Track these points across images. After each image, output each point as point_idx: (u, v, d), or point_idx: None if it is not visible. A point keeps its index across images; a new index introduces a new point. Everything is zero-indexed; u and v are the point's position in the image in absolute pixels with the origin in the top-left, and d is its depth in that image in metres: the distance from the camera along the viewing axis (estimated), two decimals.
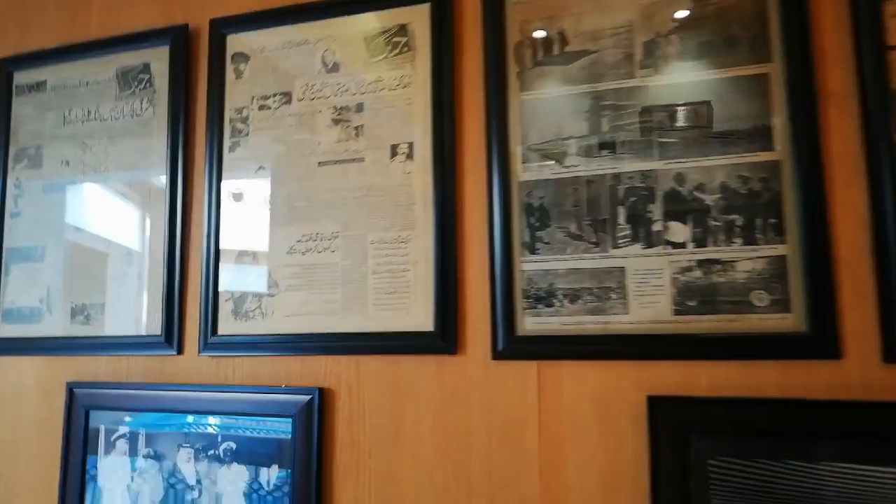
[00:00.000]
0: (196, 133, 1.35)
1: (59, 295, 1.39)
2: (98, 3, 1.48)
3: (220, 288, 1.27)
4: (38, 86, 1.49)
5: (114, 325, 1.34)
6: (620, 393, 1.03)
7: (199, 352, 1.27)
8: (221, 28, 1.34)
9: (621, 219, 1.07)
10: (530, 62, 1.14)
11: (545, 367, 1.08)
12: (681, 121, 1.05)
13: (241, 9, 1.34)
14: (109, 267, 1.36)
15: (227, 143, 1.31)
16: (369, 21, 1.25)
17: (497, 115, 1.14)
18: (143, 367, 1.32)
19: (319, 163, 1.24)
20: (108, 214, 1.38)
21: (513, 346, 1.09)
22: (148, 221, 1.34)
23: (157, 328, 1.31)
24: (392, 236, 1.18)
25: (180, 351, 1.29)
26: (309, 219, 1.23)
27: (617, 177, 1.08)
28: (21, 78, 1.50)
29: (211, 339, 1.26)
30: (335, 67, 1.26)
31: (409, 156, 1.19)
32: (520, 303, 1.10)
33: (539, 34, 1.14)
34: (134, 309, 1.33)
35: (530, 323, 1.09)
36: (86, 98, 1.44)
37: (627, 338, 1.04)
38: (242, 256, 1.26)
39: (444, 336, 1.12)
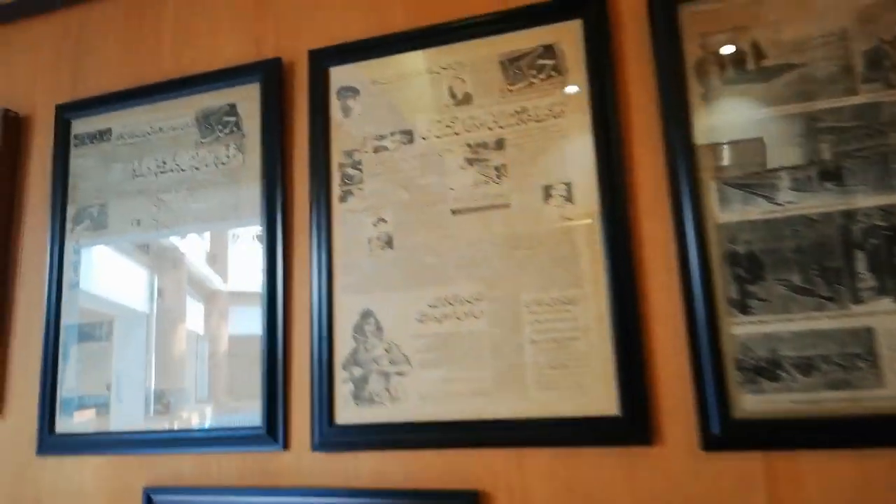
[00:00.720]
0: (295, 182, 1.15)
1: (132, 380, 1.17)
2: (171, 38, 1.30)
3: (336, 366, 1.04)
4: (102, 135, 1.30)
5: (199, 415, 1.11)
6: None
7: (311, 447, 1.04)
8: (322, 60, 1.15)
9: (861, 266, 0.85)
10: (718, 81, 0.95)
11: (776, 460, 0.85)
12: None
13: (346, 37, 1.16)
14: (190, 345, 1.14)
15: (335, 191, 1.10)
16: (505, 43, 1.06)
17: (681, 144, 0.94)
18: (238, 467, 1.08)
19: (453, 210, 1.03)
20: (187, 280, 1.16)
21: (730, 432, 0.86)
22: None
23: (255, 418, 1.07)
24: (552, 296, 0.96)
25: (286, 446, 1.06)
26: (443, 278, 1.02)
27: (849, 214, 0.86)
28: (81, 126, 1.31)
29: (326, 431, 1.02)
30: (466, 99, 1.06)
31: (568, 198, 0.98)
32: (733, 376, 0.87)
33: (727, 49, 0.95)
34: (224, 394, 1.10)
35: (750, 402, 0.86)
36: (159, 146, 1.24)
37: (886, 419, 0.81)
38: (362, 326, 1.04)
39: (634, 421, 0.89)
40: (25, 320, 1.28)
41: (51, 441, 1.20)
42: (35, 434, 1.22)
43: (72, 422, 1.20)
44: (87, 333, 1.22)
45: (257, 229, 1.14)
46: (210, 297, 1.16)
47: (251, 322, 1.11)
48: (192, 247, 1.18)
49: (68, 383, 1.21)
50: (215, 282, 1.16)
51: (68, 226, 1.28)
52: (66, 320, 1.24)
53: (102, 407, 1.18)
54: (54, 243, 1.27)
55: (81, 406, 1.19)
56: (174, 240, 1.20)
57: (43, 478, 1.20)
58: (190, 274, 1.17)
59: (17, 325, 1.29)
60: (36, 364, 1.26)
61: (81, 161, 1.30)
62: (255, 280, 1.12)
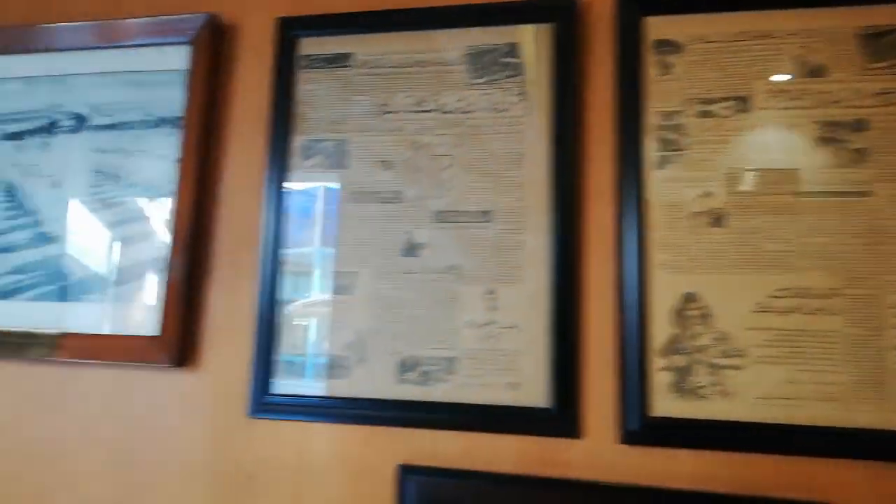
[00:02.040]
0: (591, 140, 1.03)
1: (379, 342, 1.03)
2: None
3: (650, 352, 0.94)
4: (340, 59, 1.13)
5: (468, 389, 0.99)
6: None
7: (617, 439, 0.94)
8: (636, 8, 1.03)
9: None
10: None
11: None
12: None
13: None
14: (463, 308, 1.01)
15: (649, 156, 0.99)
16: (865, 16, 0.96)
17: None
18: (517, 452, 0.97)
19: (799, 193, 0.94)
20: (453, 237, 1.03)
21: None
22: (527, 249, 1.01)
23: (539, 399, 0.96)
24: None
25: (579, 434, 0.95)
26: (787, 268, 0.92)
27: None
28: (311, 47, 1.15)
29: (638, 423, 0.92)
30: (818, 71, 0.96)
31: None
32: None
33: None
34: (501, 368, 0.98)
35: None
36: (417, 82, 1.10)
37: None
38: (684, 310, 0.94)
39: None
40: (231, 263, 1.12)
41: (266, 402, 1.06)
42: (245, 392, 1.08)
43: (295, 382, 1.05)
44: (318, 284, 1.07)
45: (542, 186, 1.02)
46: None
47: (533, 290, 0.99)
48: (457, 198, 1.05)
49: (293, 338, 1.07)
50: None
51: (292, 160, 1.12)
52: (291, 266, 1.09)
53: (338, 369, 1.04)
54: (273, 178, 1.11)
55: (309, 365, 1.05)
56: (431, 188, 1.06)
57: (253, 442, 1.06)
58: (458, 228, 1.04)
59: (218, 265, 1.13)
60: (245, 313, 1.10)
61: (312, 87, 1.14)
62: (538, 242, 1.00)
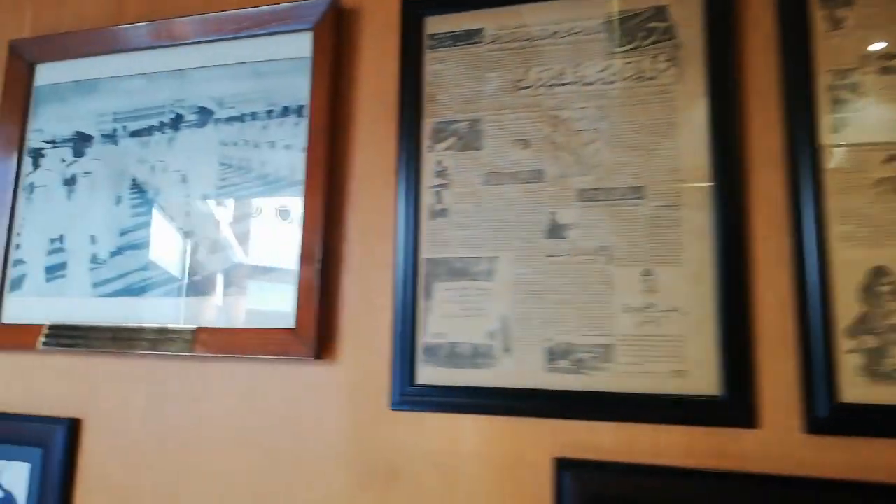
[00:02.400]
0: (751, 104, 0.95)
1: (525, 329, 0.98)
2: None
3: (836, 333, 0.85)
4: (469, 35, 1.09)
5: (627, 378, 0.93)
6: None
7: (801, 427, 0.86)
8: None
9: None
10: None
11: None
12: None
13: None
14: (617, 292, 0.95)
15: (824, 120, 0.91)
16: None
17: None
18: (685, 444, 0.90)
19: None
20: (602, 216, 0.97)
21: None
22: (686, 225, 0.93)
23: (708, 385, 0.89)
24: None
25: (754, 423, 0.88)
26: None
27: None
28: (438, 25, 1.11)
29: (826, 411, 0.84)
30: None
31: None
32: None
33: None
34: (663, 355, 0.91)
35: None
36: (554, 54, 1.04)
37: None
38: (873, 286, 0.85)
39: None
40: (365, 253, 1.09)
41: (409, 394, 1.02)
42: (386, 384, 1.04)
43: (438, 373, 1.01)
44: (459, 271, 1.03)
45: (699, 157, 0.94)
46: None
47: (695, 271, 0.92)
48: (604, 174, 0.99)
49: (435, 327, 1.03)
50: None
51: (425, 143, 1.08)
52: (429, 253, 1.05)
53: (483, 358, 1.00)
54: (410, 164, 1.08)
55: (451, 355, 1.01)
56: (574, 166, 1.00)
57: (396, 435, 1.03)
58: (606, 206, 0.98)
59: (351, 254, 1.10)
60: (382, 303, 1.07)
61: (440, 67, 1.10)
62: (698, 218, 0.93)
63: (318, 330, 1.07)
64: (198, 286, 1.16)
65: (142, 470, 1.14)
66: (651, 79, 1.00)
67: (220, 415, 1.12)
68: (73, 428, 1.19)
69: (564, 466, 0.95)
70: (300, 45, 1.17)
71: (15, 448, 1.21)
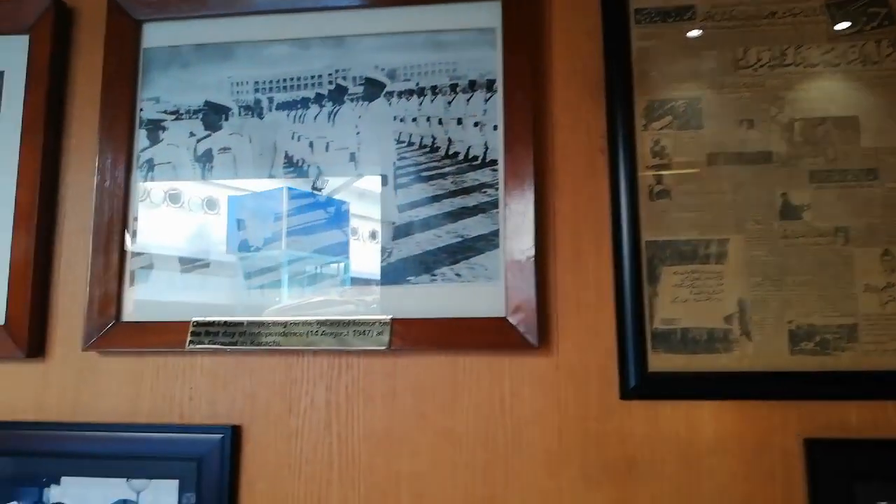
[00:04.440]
0: None
1: (764, 312, 0.99)
2: None
3: None
4: (680, 12, 1.07)
5: (873, 356, 0.96)
6: None
7: None
8: None
9: None
10: None
11: None
12: None
13: None
14: (858, 272, 0.98)
15: None
16: None
17: None
18: None
19: None
20: (836, 197, 0.99)
21: None
22: None
23: None
24: None
25: None
26: None
27: None
28: (643, 0, 1.08)
29: None
30: None
31: None
32: None
33: None
34: None
35: None
36: (773, 34, 1.05)
37: None
38: None
39: None
40: (576, 237, 1.05)
41: (640, 383, 1.00)
42: (612, 374, 1.02)
43: (671, 360, 1.00)
44: (687, 254, 1.02)
45: None
46: None
47: None
48: (835, 156, 1.01)
49: (665, 312, 1.01)
50: None
51: (639, 122, 1.06)
52: (648, 237, 1.03)
53: (720, 342, 1.00)
54: (625, 143, 1.05)
55: (684, 341, 1.00)
56: (803, 147, 1.01)
57: (630, 426, 1.00)
58: (841, 187, 1.00)
59: (561, 236, 1.06)
60: (600, 290, 1.04)
61: (649, 44, 1.08)
62: None
63: (537, 320, 1.02)
64: (388, 273, 1.07)
65: (321, 483, 1.04)
66: (875, 63, 1.02)
67: (418, 414, 1.04)
68: (233, 437, 1.06)
69: (816, 447, 0.96)
70: (487, 15, 1.10)
71: (161, 463, 1.07)
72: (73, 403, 1.11)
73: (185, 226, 1.12)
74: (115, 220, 1.13)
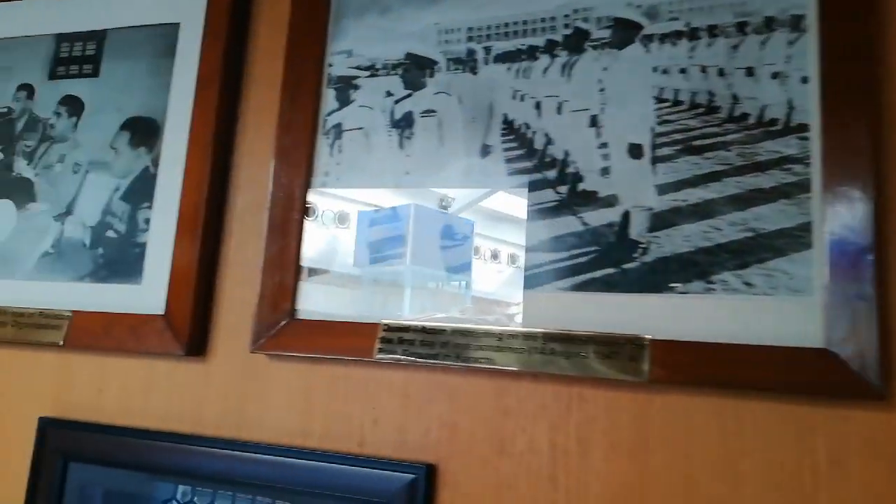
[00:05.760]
0: None
1: None
2: None
3: None
4: None
5: None
6: None
7: None
8: None
9: None
10: None
11: None
12: None
13: None
14: None
15: None
16: None
17: None
18: None
19: None
20: None
21: None
22: None
23: None
24: None
25: None
26: None
27: None
28: None
29: None
30: None
31: None
32: None
33: None
34: None
35: None
36: None
37: None
38: None
39: None
40: None
41: None
42: None
43: None
44: None
45: None
46: None
47: None
48: None
49: None
50: None
51: None
52: None
53: None
54: None
55: None
56: None
57: None
58: None
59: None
60: None
61: None
62: None
63: (878, 353, 0.68)
64: (645, 276, 0.78)
65: None
66: None
67: (682, 476, 0.74)
68: (427, 478, 0.81)
69: None
70: None
71: (330, 502, 0.84)
72: (237, 414, 0.92)
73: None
74: (294, 196, 0.93)
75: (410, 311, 0.87)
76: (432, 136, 0.91)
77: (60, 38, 1.14)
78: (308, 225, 0.93)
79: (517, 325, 0.82)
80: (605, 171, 0.83)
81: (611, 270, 0.80)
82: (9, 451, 1.00)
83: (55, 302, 1.01)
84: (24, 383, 1.02)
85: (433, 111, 0.92)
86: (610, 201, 0.82)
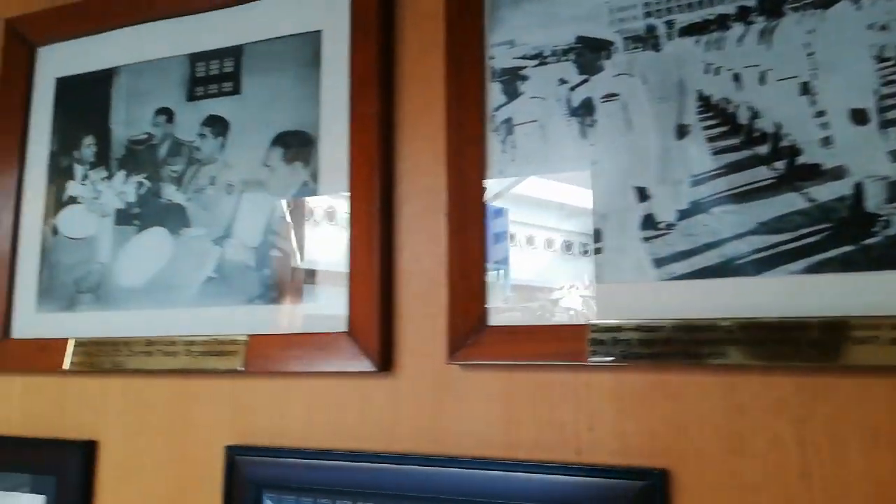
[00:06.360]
0: None
1: None
2: None
3: None
4: None
5: None
6: None
7: None
8: None
9: None
10: None
11: None
12: None
13: None
14: None
15: None
16: None
17: None
18: None
19: None
20: None
21: None
22: None
23: None
24: None
25: None
26: None
27: None
28: None
29: None
30: None
31: None
32: None
33: None
34: None
35: None
36: None
37: None
38: None
39: None
40: None
41: None
42: None
43: None
44: None
45: None
46: None
47: None
48: None
49: None
50: None
51: None
52: None
53: None
54: None
55: None
56: None
57: None
58: None
59: None
60: None
61: None
62: None
63: None
64: (885, 252, 0.72)
65: None
66: None
67: None
68: (662, 484, 0.76)
69: None
70: None
71: None
72: (434, 429, 0.88)
73: None
74: (472, 196, 0.89)
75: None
76: (617, 120, 0.86)
77: (195, 57, 1.11)
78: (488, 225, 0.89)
79: (747, 315, 0.76)
80: (826, 142, 0.77)
81: (848, 248, 0.74)
82: (200, 484, 0.98)
83: (226, 327, 0.99)
84: (205, 412, 1.01)
85: (615, 95, 0.86)
86: (837, 174, 0.76)
